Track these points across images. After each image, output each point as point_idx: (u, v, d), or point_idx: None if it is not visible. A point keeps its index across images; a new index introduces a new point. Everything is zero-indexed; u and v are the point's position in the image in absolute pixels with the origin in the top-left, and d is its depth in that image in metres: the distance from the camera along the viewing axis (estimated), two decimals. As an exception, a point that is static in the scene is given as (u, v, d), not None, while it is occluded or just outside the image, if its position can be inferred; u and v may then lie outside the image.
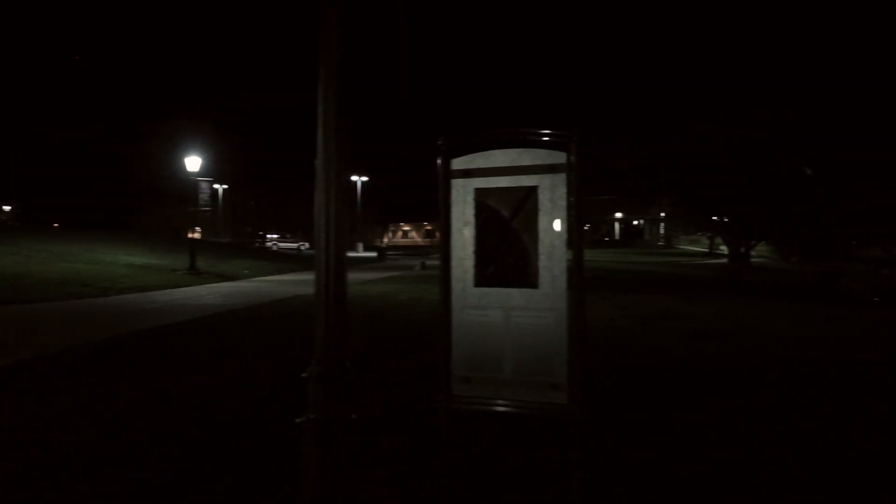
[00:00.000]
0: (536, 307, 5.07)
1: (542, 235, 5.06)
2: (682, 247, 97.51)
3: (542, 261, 5.06)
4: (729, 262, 45.86)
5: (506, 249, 5.17)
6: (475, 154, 5.30)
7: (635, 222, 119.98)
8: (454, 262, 5.31)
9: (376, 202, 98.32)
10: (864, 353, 12.07)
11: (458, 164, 5.33)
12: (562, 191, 5.00)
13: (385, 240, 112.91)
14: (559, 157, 5.00)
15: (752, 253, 58.84)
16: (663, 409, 8.20)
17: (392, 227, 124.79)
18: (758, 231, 47.56)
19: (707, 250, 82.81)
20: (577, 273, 4.91)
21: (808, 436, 7.30)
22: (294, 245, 79.06)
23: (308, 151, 4.43)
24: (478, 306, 5.25)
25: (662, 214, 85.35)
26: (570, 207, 4.98)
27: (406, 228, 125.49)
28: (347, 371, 4.20)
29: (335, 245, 4.32)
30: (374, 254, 69.49)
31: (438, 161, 5.33)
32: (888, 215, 45.42)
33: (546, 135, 5.02)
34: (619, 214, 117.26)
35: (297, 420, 4.15)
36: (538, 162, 5.07)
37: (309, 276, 32.99)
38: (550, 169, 5.03)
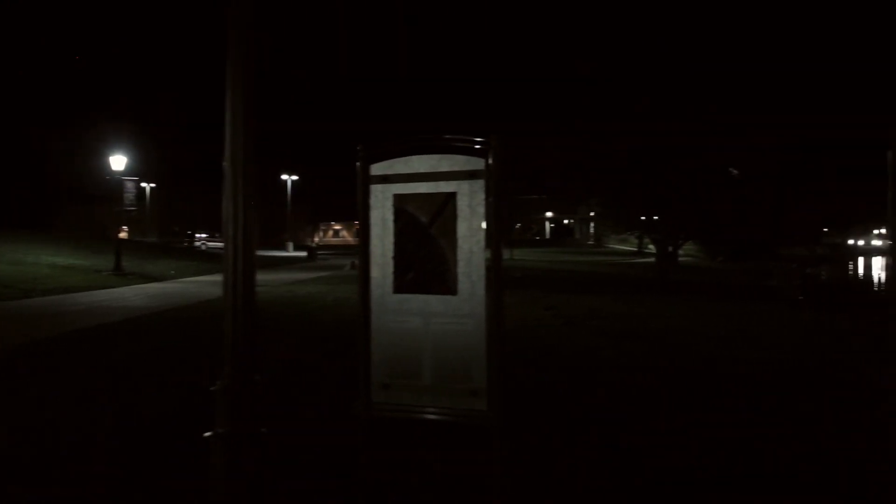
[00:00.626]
0: (455, 314, 5.06)
1: (460, 242, 5.05)
2: (611, 246, 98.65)
3: (461, 267, 5.04)
4: (656, 262, 46.38)
5: (424, 255, 5.15)
6: (394, 160, 5.27)
7: (566, 221, 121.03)
8: (374, 268, 5.29)
9: (308, 201, 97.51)
10: (784, 353, 12.29)
11: (377, 169, 5.30)
12: (480, 197, 5.00)
13: (316, 239, 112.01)
14: (478, 164, 5.00)
15: (680, 252, 59.77)
16: (588, 412, 8.23)
17: (323, 226, 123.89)
18: (685, 231, 48.30)
19: (636, 249, 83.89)
20: (496, 279, 4.91)
21: (726, 436, 7.39)
22: (223, 244, 77.34)
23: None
24: (397, 312, 5.23)
25: (592, 214, 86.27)
26: (489, 213, 4.97)
27: (337, 227, 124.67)
28: (256, 384, 4.12)
29: (243, 254, 4.24)
30: (304, 253, 68.95)
31: (358, 166, 5.29)
32: (811, 215, 46.56)
33: (464, 141, 5.02)
34: (549, 214, 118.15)
35: (206, 435, 4.06)
36: (457, 168, 5.06)
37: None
38: (469, 175, 5.02)
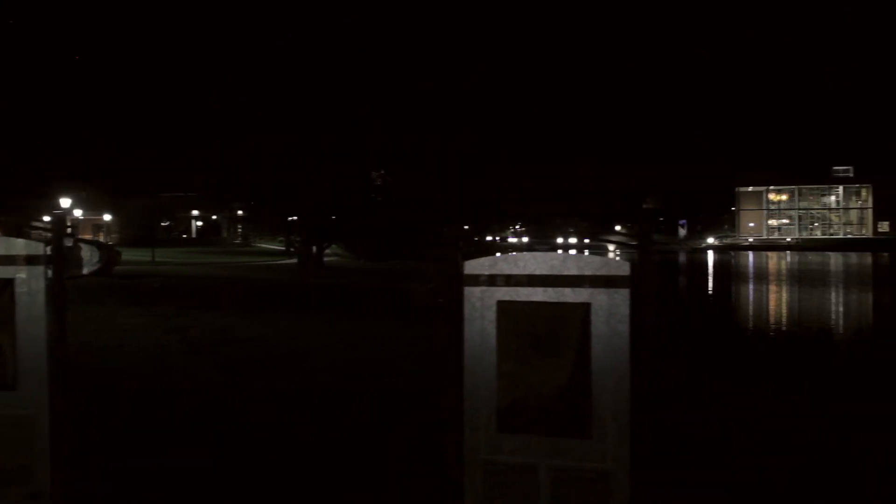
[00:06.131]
0: (12, 409, 4.67)
1: (20, 329, 4.65)
2: (261, 245, 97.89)
3: (21, 357, 4.66)
4: (299, 267, 46.52)
5: (-24, 346, 4.70)
6: (-53, 238, 4.78)
7: (214, 217, 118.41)
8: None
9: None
10: (403, 380, 12.29)
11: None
12: (41, 284, 4.64)
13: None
14: (37, 248, 4.64)
15: (327, 252, 60.75)
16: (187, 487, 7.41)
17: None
18: (327, 235, 49.31)
19: (284, 248, 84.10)
20: (58, 373, 4.60)
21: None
22: None
23: None
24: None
25: (240, 213, 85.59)
26: (50, 302, 4.64)
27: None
28: None
29: None
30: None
31: None
32: (442, 216, 49.22)
33: (28, 223, 4.66)
34: (195, 212, 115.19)
35: None
36: (13, 252, 4.68)
37: None
38: (28, 260, 4.65)
